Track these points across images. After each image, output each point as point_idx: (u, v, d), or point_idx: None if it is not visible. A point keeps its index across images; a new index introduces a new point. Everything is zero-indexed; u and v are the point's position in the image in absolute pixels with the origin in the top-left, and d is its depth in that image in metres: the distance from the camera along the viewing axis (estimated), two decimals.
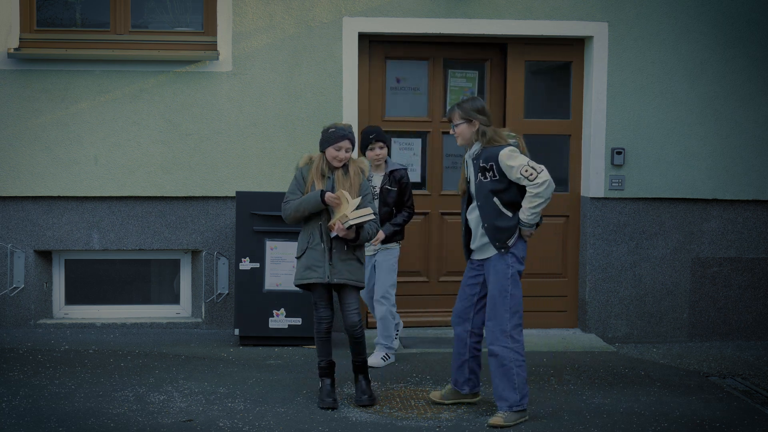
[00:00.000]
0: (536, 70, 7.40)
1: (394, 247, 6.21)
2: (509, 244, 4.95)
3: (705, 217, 7.15)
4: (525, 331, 7.05)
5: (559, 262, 7.28)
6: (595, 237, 7.06)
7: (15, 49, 6.63)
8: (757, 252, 7.22)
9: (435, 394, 5.32)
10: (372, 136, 6.07)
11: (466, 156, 5.12)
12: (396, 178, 6.05)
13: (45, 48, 6.71)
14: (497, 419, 4.91)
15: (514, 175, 4.87)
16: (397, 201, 6.11)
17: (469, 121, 5.00)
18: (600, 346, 6.82)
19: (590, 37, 7.00)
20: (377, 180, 6.05)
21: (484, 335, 5.11)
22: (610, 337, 7.10)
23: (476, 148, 5.02)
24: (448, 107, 7.11)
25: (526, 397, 4.96)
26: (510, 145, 4.95)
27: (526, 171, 4.84)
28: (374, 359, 6.10)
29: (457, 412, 5.16)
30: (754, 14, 7.03)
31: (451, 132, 5.10)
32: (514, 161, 4.86)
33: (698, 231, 7.15)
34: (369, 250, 6.02)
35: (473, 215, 5.07)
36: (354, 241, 5.16)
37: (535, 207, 4.88)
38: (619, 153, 6.98)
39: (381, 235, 5.92)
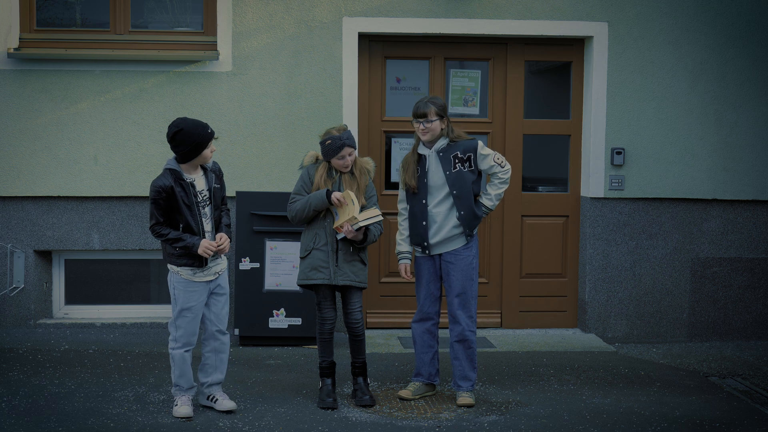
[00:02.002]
0: (536, 70, 7.40)
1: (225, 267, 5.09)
2: (474, 233, 5.31)
3: (705, 217, 7.15)
4: (525, 331, 7.20)
5: (559, 262, 7.28)
6: (594, 237, 7.06)
7: (15, 49, 6.64)
8: (757, 252, 7.22)
9: (405, 392, 5.39)
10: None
11: (426, 151, 5.27)
12: (218, 174, 4.99)
13: (45, 48, 6.71)
14: (467, 399, 5.25)
15: (487, 163, 5.25)
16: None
17: (441, 117, 5.23)
18: (600, 346, 6.82)
19: (590, 37, 7.00)
20: (200, 182, 4.87)
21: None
22: (609, 337, 7.10)
23: (442, 143, 5.27)
24: (450, 107, 7.12)
25: None
26: (477, 140, 5.35)
27: (498, 159, 5.28)
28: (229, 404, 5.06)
29: (456, 412, 5.17)
30: (754, 14, 7.03)
31: (421, 127, 5.22)
32: (488, 151, 5.29)
33: (698, 231, 7.15)
34: (209, 273, 4.90)
35: (440, 208, 5.24)
36: (361, 243, 5.19)
37: (501, 192, 5.31)
38: (618, 153, 6.98)
39: (227, 241, 4.89)
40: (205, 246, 4.76)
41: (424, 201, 5.25)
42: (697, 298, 7.19)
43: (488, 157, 5.23)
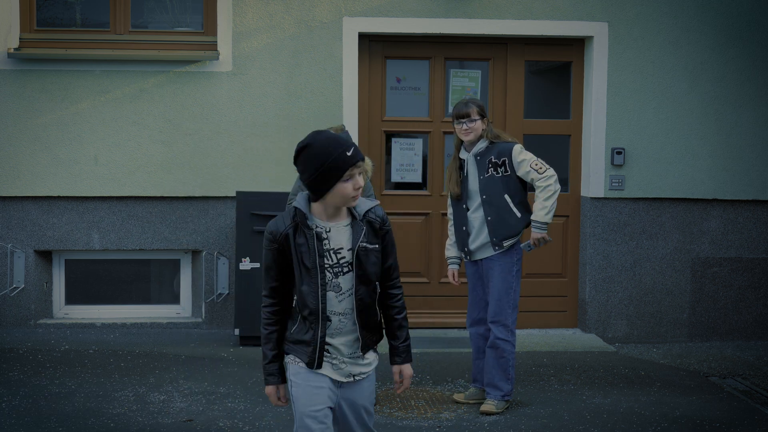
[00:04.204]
0: (536, 70, 7.40)
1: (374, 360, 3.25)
2: (505, 245, 5.07)
3: (705, 217, 7.15)
4: (525, 331, 7.17)
5: (559, 262, 7.28)
6: (595, 237, 7.05)
7: (15, 49, 6.64)
8: (757, 252, 7.22)
9: (458, 396, 5.38)
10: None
11: (465, 155, 5.18)
12: (379, 227, 3.14)
13: (45, 48, 6.71)
14: (490, 407, 5.11)
15: (524, 169, 5.03)
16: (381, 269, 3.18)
17: (483, 117, 5.13)
18: (600, 346, 6.82)
19: (590, 37, 7.00)
20: (340, 235, 3.09)
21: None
22: (610, 337, 7.10)
23: (481, 145, 5.14)
24: (450, 107, 7.12)
25: (513, 387, 5.23)
26: (517, 142, 5.16)
27: (536, 164, 5.03)
28: None
29: (457, 412, 5.16)
30: (754, 14, 7.03)
31: (464, 128, 5.11)
32: (525, 155, 5.06)
33: (698, 231, 7.15)
34: (340, 372, 3.12)
35: (477, 213, 5.16)
36: None
37: (548, 204, 5.01)
38: (619, 153, 6.98)
39: (407, 379, 3.24)
40: (270, 394, 3.17)
41: (464, 206, 5.19)
42: (697, 298, 7.19)
43: (524, 162, 5.03)
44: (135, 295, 7.16)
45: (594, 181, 7.02)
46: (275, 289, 3.12)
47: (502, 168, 5.07)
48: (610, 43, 6.96)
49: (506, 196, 5.07)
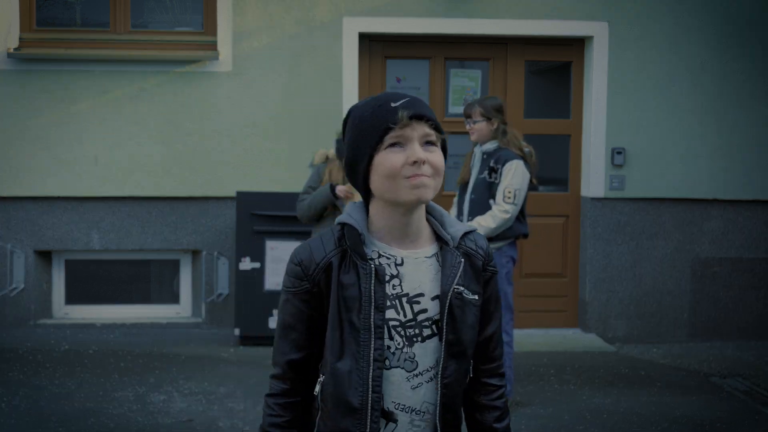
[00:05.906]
0: (536, 70, 7.40)
1: None
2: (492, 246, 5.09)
3: (705, 217, 7.15)
4: (526, 331, 7.16)
5: (559, 262, 7.28)
6: (595, 237, 7.05)
7: (15, 49, 6.63)
8: (758, 252, 7.22)
9: None
10: None
11: (476, 149, 5.20)
12: (479, 260, 1.97)
13: (45, 48, 6.70)
14: None
15: (500, 186, 4.97)
16: (483, 344, 1.99)
17: (488, 119, 5.08)
18: (600, 346, 6.81)
19: (590, 37, 7.00)
20: (416, 272, 1.91)
21: None
22: (610, 337, 7.10)
23: (491, 145, 5.12)
24: (450, 107, 7.12)
25: (512, 388, 5.23)
26: (521, 159, 5.03)
27: (509, 193, 4.95)
28: None
29: None
30: (754, 14, 7.02)
31: (468, 128, 5.13)
32: (513, 178, 4.96)
33: (698, 231, 7.15)
34: None
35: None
36: None
37: (488, 227, 4.92)
38: (619, 153, 6.98)
39: None
40: None
41: (465, 196, 5.22)
42: (697, 298, 7.19)
43: (505, 182, 4.97)
44: (135, 295, 7.16)
45: (594, 181, 7.02)
46: (295, 366, 1.89)
47: (495, 174, 5.05)
48: (610, 43, 6.95)
49: (491, 201, 5.06)
